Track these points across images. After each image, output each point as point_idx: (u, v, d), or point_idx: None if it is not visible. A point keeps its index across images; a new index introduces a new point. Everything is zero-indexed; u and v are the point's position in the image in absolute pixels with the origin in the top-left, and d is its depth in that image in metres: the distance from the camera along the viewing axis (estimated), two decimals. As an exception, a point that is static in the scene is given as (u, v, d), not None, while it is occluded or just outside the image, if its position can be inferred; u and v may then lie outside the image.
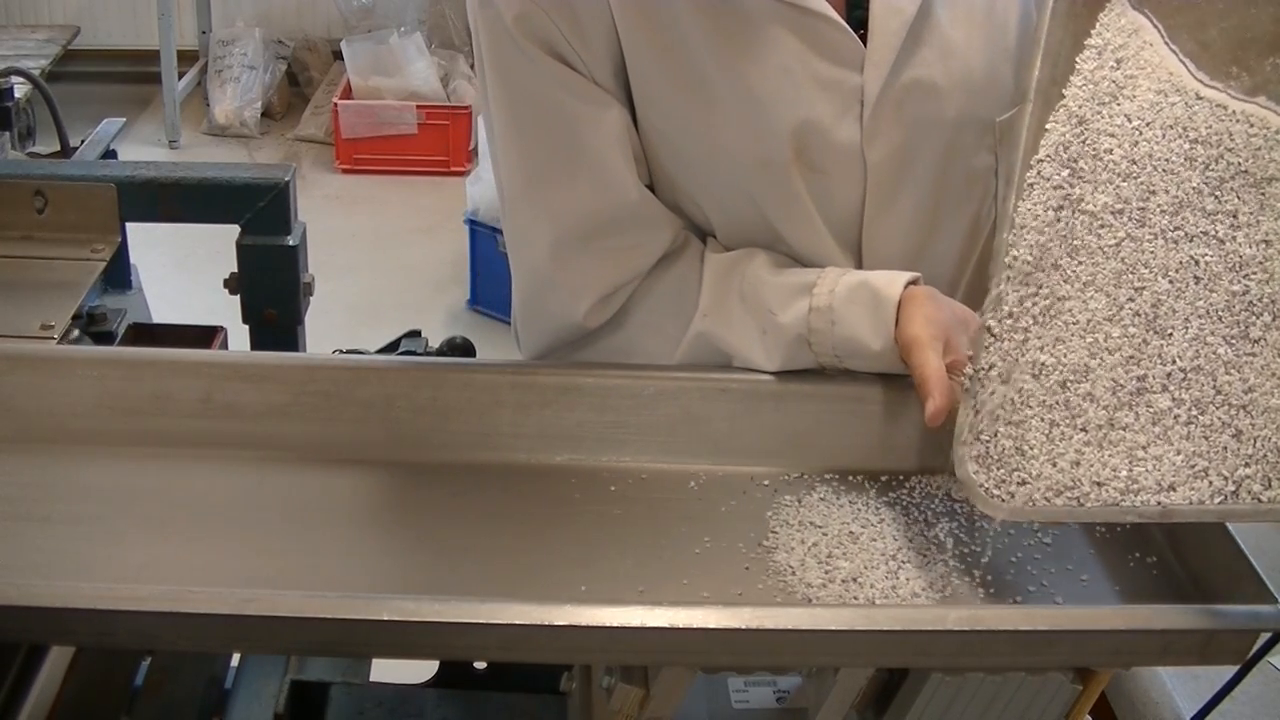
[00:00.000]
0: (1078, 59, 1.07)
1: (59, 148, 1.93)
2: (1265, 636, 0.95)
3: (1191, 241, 0.99)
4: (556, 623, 0.86)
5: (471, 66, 4.90)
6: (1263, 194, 1.00)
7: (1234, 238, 0.98)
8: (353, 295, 3.66)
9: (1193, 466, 0.88)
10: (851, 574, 0.99)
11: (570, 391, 1.14)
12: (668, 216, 1.20)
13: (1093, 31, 1.08)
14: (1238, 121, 1.01)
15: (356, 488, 1.09)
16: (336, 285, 3.15)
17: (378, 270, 3.96)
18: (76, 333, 1.33)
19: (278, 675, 1.36)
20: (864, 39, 1.12)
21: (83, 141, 1.76)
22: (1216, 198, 1.00)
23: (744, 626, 0.87)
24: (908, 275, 1.11)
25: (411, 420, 1.13)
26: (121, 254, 1.54)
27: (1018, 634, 0.89)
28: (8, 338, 1.25)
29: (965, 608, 0.96)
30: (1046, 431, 0.96)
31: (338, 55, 4.99)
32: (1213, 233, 0.99)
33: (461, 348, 1.48)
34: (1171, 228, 1.00)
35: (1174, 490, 0.88)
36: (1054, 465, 0.93)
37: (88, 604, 0.86)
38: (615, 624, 0.87)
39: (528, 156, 1.16)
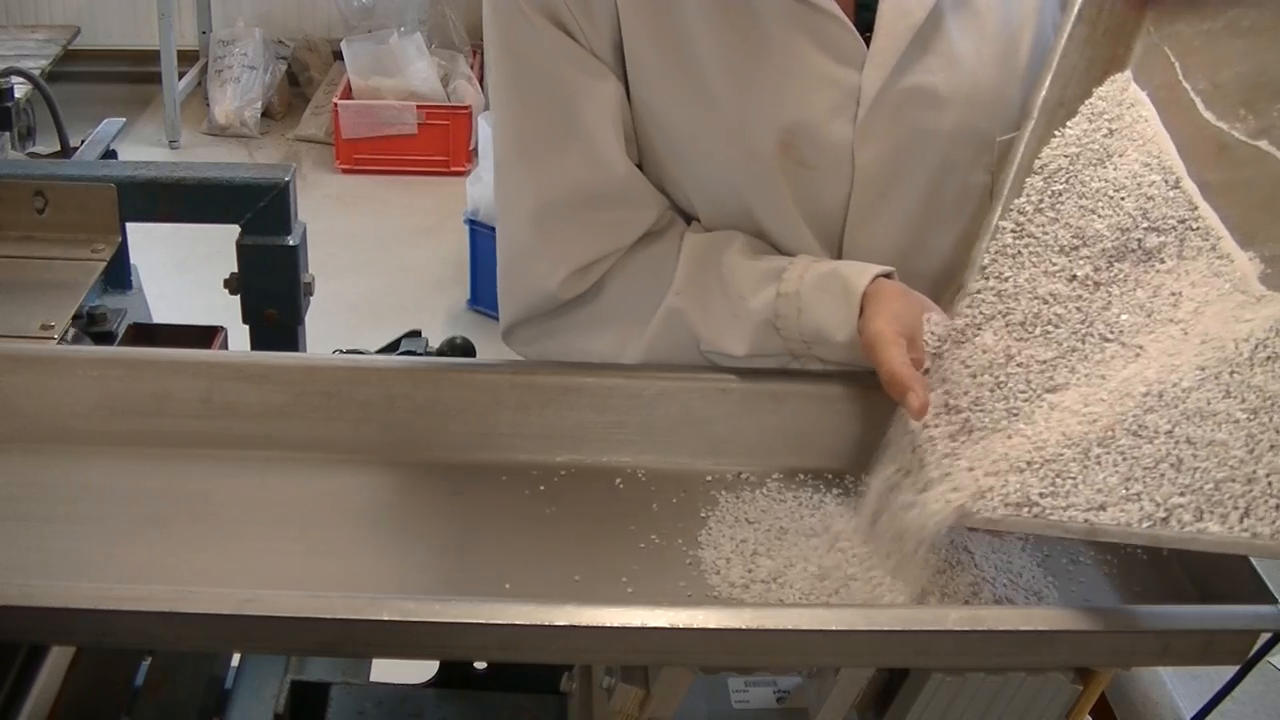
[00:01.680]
0: (1069, 122, 1.08)
1: (59, 148, 1.93)
2: (1265, 637, 0.95)
3: (1137, 290, 1.01)
4: (557, 623, 0.86)
5: (472, 67, 4.91)
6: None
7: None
8: (353, 295, 3.66)
9: (1126, 489, 0.88)
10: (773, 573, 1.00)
11: (571, 392, 1.14)
12: (654, 195, 1.20)
13: (1088, 100, 1.09)
14: (1197, 225, 1.02)
15: (357, 488, 1.09)
16: (337, 285, 3.15)
17: (378, 270, 3.96)
18: (76, 333, 1.33)
19: (278, 675, 1.36)
20: (870, 41, 1.12)
21: (83, 141, 1.76)
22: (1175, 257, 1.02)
23: (744, 627, 0.87)
24: (879, 268, 1.10)
25: (412, 420, 1.13)
26: (122, 254, 1.54)
27: (1018, 634, 0.89)
28: (8, 337, 1.25)
29: (966, 608, 0.96)
30: (984, 441, 0.97)
31: (338, 55, 4.99)
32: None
33: (462, 348, 1.48)
34: (1113, 279, 1.02)
35: (1104, 510, 0.88)
36: (986, 475, 0.94)
37: (88, 604, 0.86)
38: (615, 624, 0.87)
39: (521, 122, 1.17)
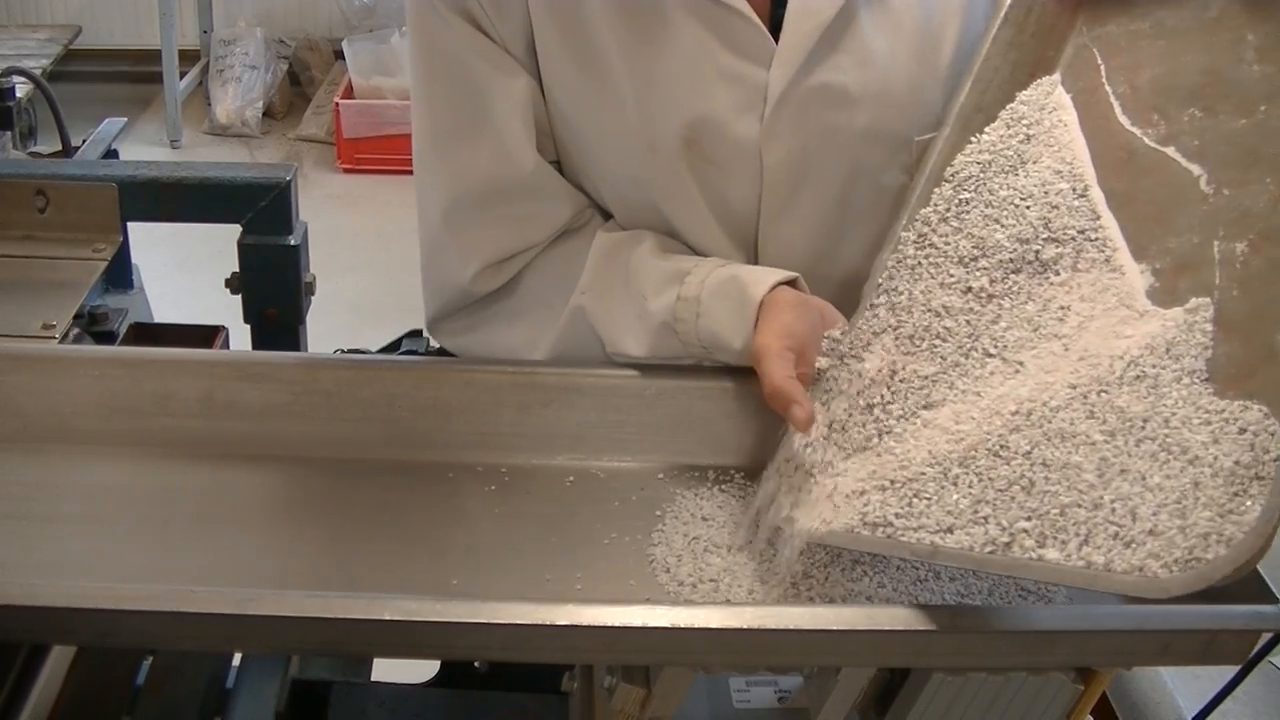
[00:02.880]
0: (987, 128, 1.07)
1: (60, 147, 1.93)
2: (1266, 636, 0.95)
3: (1025, 304, 1.00)
4: (558, 623, 0.86)
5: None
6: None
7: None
8: (354, 295, 3.66)
9: (975, 512, 0.87)
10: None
11: (571, 391, 1.14)
12: (568, 192, 1.20)
13: (1010, 105, 1.08)
14: (1096, 235, 1.01)
15: (358, 487, 1.09)
16: (338, 285, 3.14)
17: (379, 270, 3.95)
18: (78, 332, 1.33)
19: (279, 675, 1.36)
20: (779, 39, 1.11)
21: (84, 141, 1.76)
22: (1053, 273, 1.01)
23: (746, 626, 0.87)
24: (781, 275, 1.09)
25: (413, 420, 1.13)
26: (123, 253, 1.54)
27: (1019, 634, 0.89)
28: (9, 337, 1.25)
29: (967, 607, 0.96)
30: (857, 457, 0.97)
31: (339, 55, 4.98)
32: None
33: (463, 347, 1.48)
34: (1006, 292, 1.01)
35: (951, 532, 0.86)
36: (851, 493, 0.93)
37: (90, 603, 0.86)
38: (617, 624, 0.87)
39: (435, 116, 1.18)
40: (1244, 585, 0.95)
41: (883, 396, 1.00)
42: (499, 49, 1.14)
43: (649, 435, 1.14)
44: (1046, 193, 1.03)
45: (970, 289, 1.02)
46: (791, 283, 1.09)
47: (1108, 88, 1.06)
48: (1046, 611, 0.96)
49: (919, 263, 1.05)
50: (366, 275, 3.87)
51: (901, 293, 1.04)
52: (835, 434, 1.00)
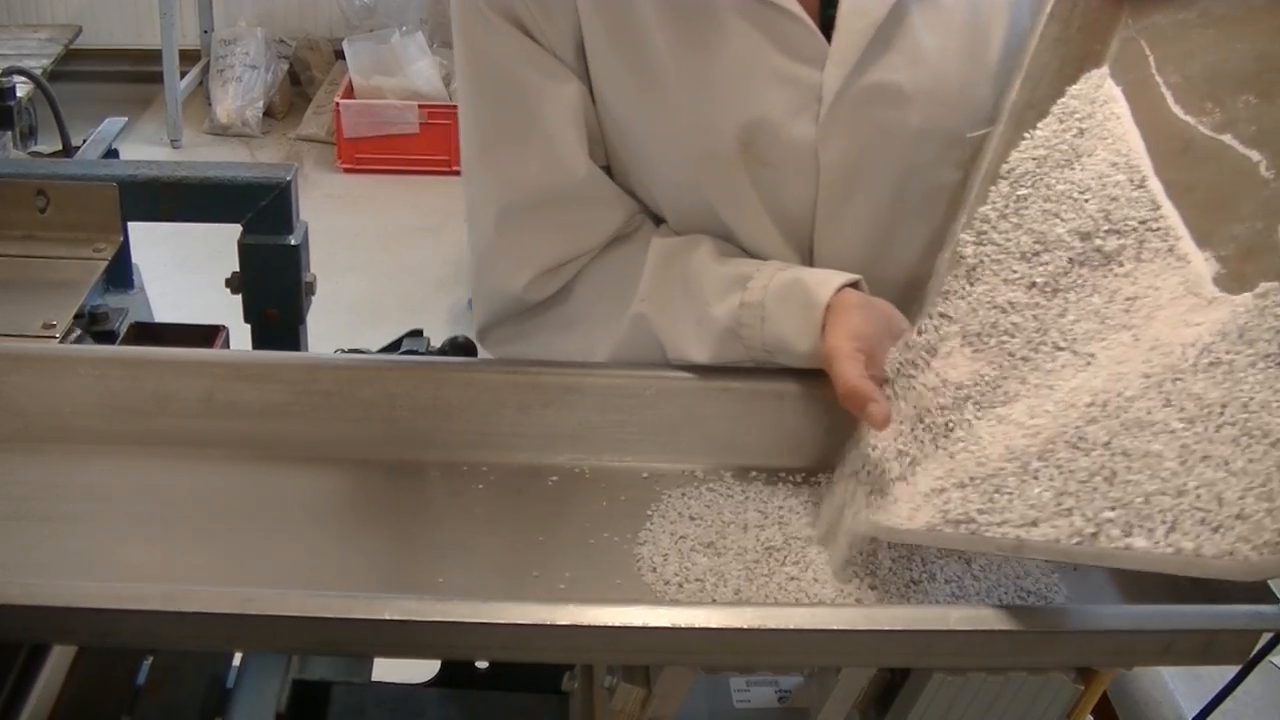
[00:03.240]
0: (1040, 124, 1.07)
1: (61, 147, 1.93)
2: (1267, 636, 0.95)
3: (1093, 295, 1.00)
4: (559, 623, 0.86)
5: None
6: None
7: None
8: (354, 294, 3.66)
9: (1059, 504, 0.87)
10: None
11: (572, 391, 1.14)
12: (619, 197, 1.19)
13: (1061, 100, 1.08)
14: (1158, 225, 1.01)
15: (358, 487, 1.09)
16: (338, 284, 3.14)
17: (379, 270, 3.95)
18: (78, 332, 1.33)
19: (279, 675, 1.36)
20: (832, 39, 1.10)
21: (84, 141, 1.76)
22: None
23: (746, 626, 0.87)
24: (844, 277, 1.09)
25: (413, 420, 1.13)
26: (123, 253, 1.54)
27: (1020, 634, 0.89)
28: (10, 337, 1.25)
29: (967, 607, 0.96)
30: (933, 456, 0.97)
31: (339, 54, 4.98)
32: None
33: (463, 347, 1.48)
34: (1071, 285, 1.01)
35: (1036, 526, 0.86)
36: (931, 491, 0.93)
37: (90, 603, 0.86)
38: (617, 624, 0.87)
39: (484, 123, 1.17)
40: (1244, 585, 0.96)
41: (954, 394, 1.00)
42: (548, 54, 1.13)
43: (649, 435, 1.14)
44: (1104, 185, 1.03)
45: (1034, 284, 1.02)
46: (853, 285, 1.10)
47: (1158, 78, 1.07)
48: (1046, 611, 0.96)
49: (980, 260, 1.05)
50: (366, 275, 3.87)
51: (965, 291, 1.04)
52: (908, 433, 1.00)
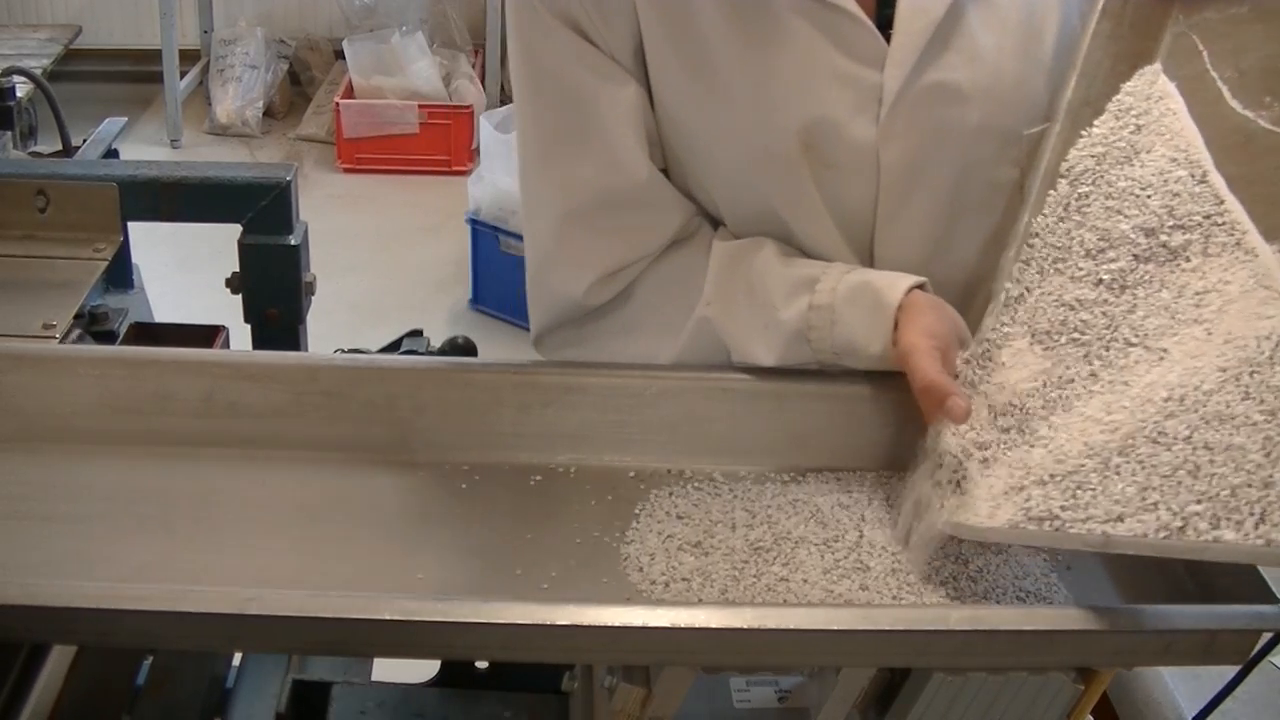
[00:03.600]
0: (1097, 121, 1.07)
1: (61, 147, 1.93)
2: (1267, 636, 0.95)
3: (1161, 291, 1.00)
4: (559, 622, 0.86)
5: (474, 66, 4.91)
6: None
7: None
8: (354, 295, 3.66)
9: (1144, 499, 0.87)
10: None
11: (572, 391, 1.14)
12: (679, 200, 1.19)
13: (1116, 97, 1.08)
14: (1223, 220, 1.01)
15: (357, 487, 1.09)
16: (338, 284, 3.15)
17: (379, 270, 3.96)
18: (78, 332, 1.33)
19: (279, 675, 1.36)
20: (891, 38, 1.11)
21: (84, 141, 1.76)
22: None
23: (746, 626, 0.87)
24: (912, 279, 1.09)
25: (413, 420, 1.13)
26: (123, 253, 1.54)
27: (1020, 634, 0.89)
28: (10, 337, 1.25)
29: (967, 607, 0.96)
30: (1009, 454, 0.97)
31: (339, 54, 4.98)
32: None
33: (463, 347, 1.48)
34: (1138, 281, 1.01)
35: (1121, 521, 0.87)
36: (1010, 489, 0.93)
37: (90, 603, 0.86)
38: (617, 624, 0.87)
39: (542, 128, 1.17)
40: (1244, 585, 0.96)
41: (1026, 392, 1.00)
42: (606, 57, 1.13)
43: (649, 435, 1.14)
44: (1165, 181, 1.04)
45: (1101, 281, 1.03)
46: (919, 287, 1.10)
47: (1213, 73, 1.07)
48: (1046, 611, 0.96)
49: (1045, 258, 1.05)
50: (366, 275, 3.87)
51: (1033, 290, 1.05)
52: (984, 432, 1.00)
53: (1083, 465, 0.92)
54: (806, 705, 1.07)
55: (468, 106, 4.65)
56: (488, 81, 4.94)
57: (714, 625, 0.87)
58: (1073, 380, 0.99)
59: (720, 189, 1.19)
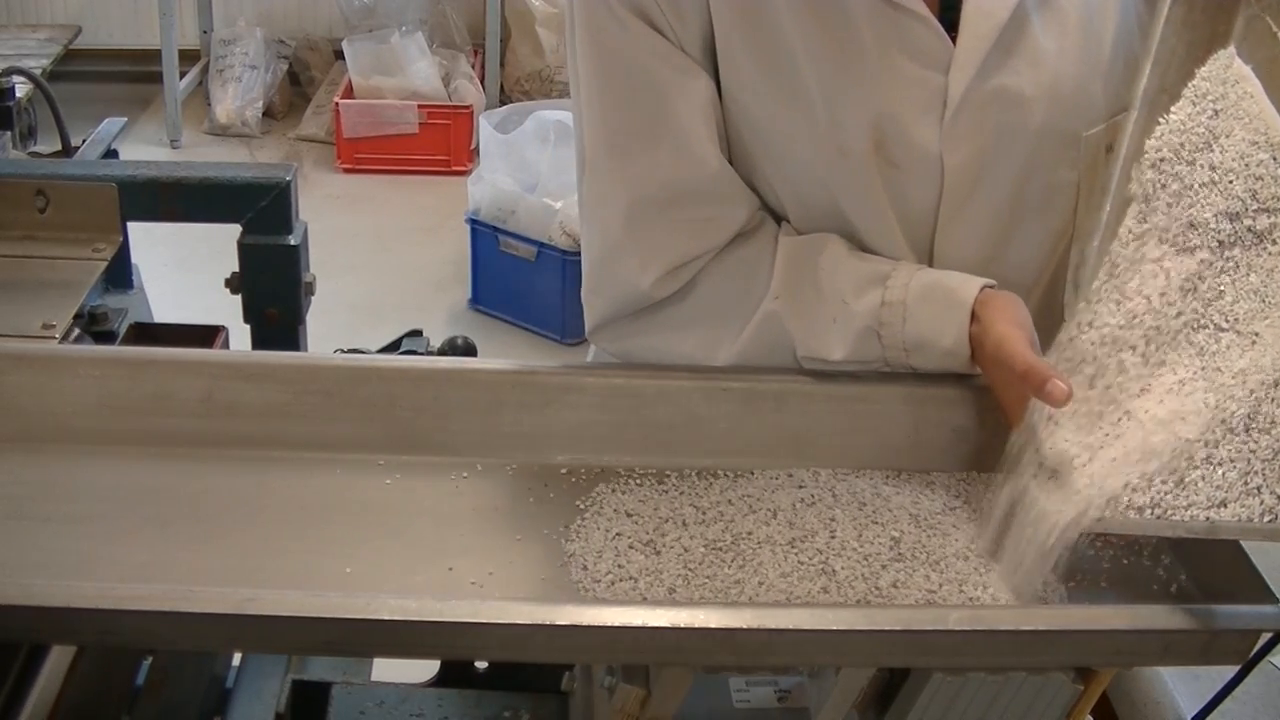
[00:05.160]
0: (1174, 108, 1.07)
1: (60, 147, 1.93)
2: (1266, 636, 0.95)
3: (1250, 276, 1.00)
4: (558, 623, 0.86)
5: (473, 66, 4.91)
6: None
7: None
8: (354, 295, 3.66)
9: (1246, 483, 0.87)
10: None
11: (572, 391, 1.14)
12: (745, 194, 1.19)
13: (1192, 83, 1.08)
14: None
15: (357, 487, 1.09)
16: (338, 285, 3.14)
17: (379, 270, 3.96)
18: (78, 332, 1.33)
19: (279, 675, 1.36)
20: (954, 40, 1.11)
21: (84, 141, 1.76)
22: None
23: (745, 626, 0.87)
24: (982, 279, 1.10)
25: (413, 420, 1.13)
26: (123, 253, 1.53)
27: (1019, 634, 0.89)
28: (9, 337, 1.25)
29: (966, 607, 0.96)
30: (1106, 445, 0.96)
31: (339, 55, 4.99)
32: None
33: (463, 348, 1.48)
34: (1225, 267, 1.01)
35: (1224, 506, 0.87)
36: (1109, 479, 0.93)
37: (90, 603, 0.86)
38: (616, 624, 0.87)
39: (611, 120, 1.17)
40: (1244, 585, 0.96)
41: (1119, 381, 1.00)
42: (677, 50, 1.13)
43: (649, 435, 1.14)
44: (1247, 165, 1.03)
45: (1187, 268, 1.02)
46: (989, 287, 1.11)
47: None
48: (1046, 611, 0.96)
49: (1128, 246, 1.05)
50: (366, 275, 3.87)
51: (1117, 280, 1.04)
52: (1079, 423, 0.99)
53: (1183, 452, 0.91)
54: (806, 705, 1.07)
55: (467, 107, 4.65)
56: (487, 81, 4.94)
57: (714, 625, 0.87)
58: (1163, 367, 0.99)
59: (788, 184, 1.19)
